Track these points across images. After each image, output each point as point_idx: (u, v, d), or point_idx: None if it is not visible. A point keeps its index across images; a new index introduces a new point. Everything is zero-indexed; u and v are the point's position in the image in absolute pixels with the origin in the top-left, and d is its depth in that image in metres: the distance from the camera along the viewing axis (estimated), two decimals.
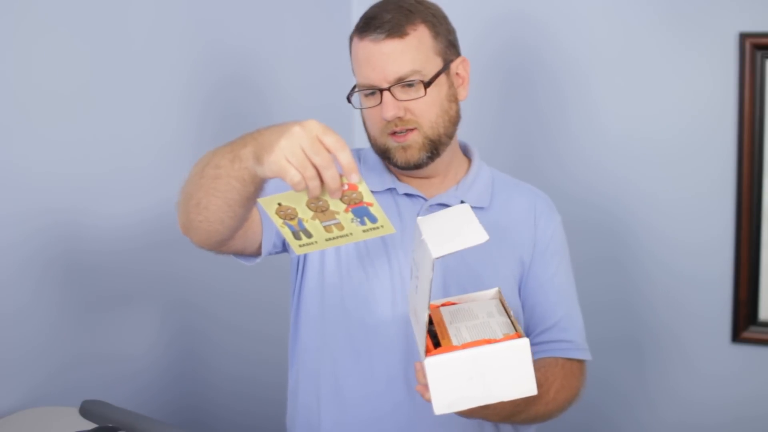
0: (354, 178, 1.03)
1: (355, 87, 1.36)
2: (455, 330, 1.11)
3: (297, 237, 1.11)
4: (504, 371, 1.07)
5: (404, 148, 1.33)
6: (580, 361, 1.41)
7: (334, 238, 1.11)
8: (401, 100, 1.30)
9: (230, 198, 1.15)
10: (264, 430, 2.06)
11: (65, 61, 1.57)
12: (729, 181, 1.98)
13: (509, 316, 1.16)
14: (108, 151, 1.66)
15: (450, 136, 1.37)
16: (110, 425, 1.18)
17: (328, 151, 1.02)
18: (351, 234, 1.10)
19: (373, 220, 1.08)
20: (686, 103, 2.01)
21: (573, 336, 1.40)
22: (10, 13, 1.47)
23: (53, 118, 1.56)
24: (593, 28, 2.07)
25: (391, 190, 1.41)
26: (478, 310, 1.18)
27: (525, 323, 1.40)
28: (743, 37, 1.91)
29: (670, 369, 2.09)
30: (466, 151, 1.48)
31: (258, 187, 1.14)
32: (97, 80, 1.64)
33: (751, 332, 2.00)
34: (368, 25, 1.31)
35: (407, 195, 1.40)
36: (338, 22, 2.27)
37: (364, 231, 1.09)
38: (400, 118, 1.31)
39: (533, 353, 1.35)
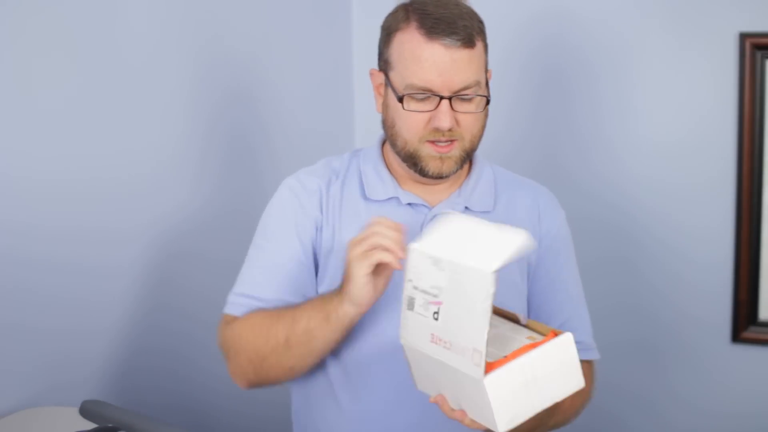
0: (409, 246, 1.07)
1: (388, 80, 1.28)
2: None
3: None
4: (554, 371, 1.05)
5: (442, 159, 1.27)
6: (589, 362, 1.37)
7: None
8: (456, 111, 1.25)
9: (327, 348, 1.24)
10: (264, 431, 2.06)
11: (65, 70, 1.57)
12: (729, 181, 1.98)
13: (514, 320, 1.13)
14: (109, 158, 1.67)
15: (477, 147, 1.33)
16: (110, 425, 1.18)
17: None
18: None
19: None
20: (686, 103, 2.01)
21: (581, 336, 1.34)
22: (10, 19, 1.47)
23: (53, 126, 1.56)
24: (591, 28, 2.07)
25: (394, 199, 1.34)
26: None
27: None
28: (743, 37, 1.90)
29: (670, 369, 2.09)
30: None
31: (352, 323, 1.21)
32: (98, 91, 1.64)
33: (751, 332, 2.00)
34: (439, 28, 1.21)
35: (410, 205, 1.34)
36: (338, 28, 2.29)
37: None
38: (449, 129, 1.25)
39: None
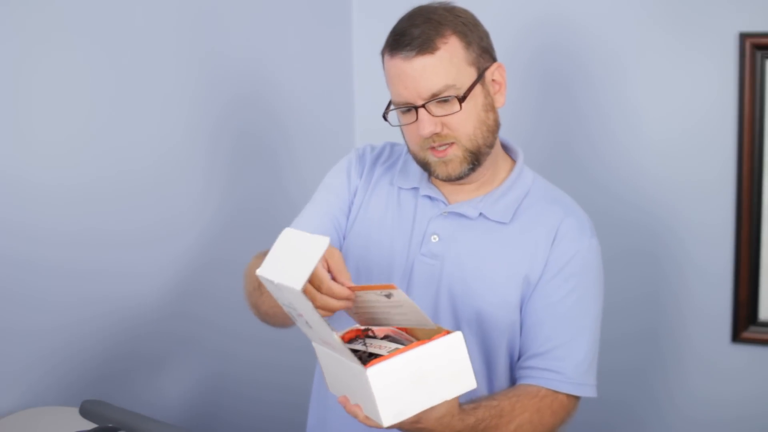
0: (352, 297, 1.11)
1: (390, 104, 1.34)
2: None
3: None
4: (443, 369, 1.06)
5: (445, 163, 1.31)
6: (570, 397, 1.32)
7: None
8: (437, 116, 1.28)
9: None
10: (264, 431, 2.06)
11: (75, 79, 1.58)
12: (729, 181, 1.98)
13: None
14: (116, 161, 1.67)
15: (490, 145, 1.34)
16: (110, 425, 1.18)
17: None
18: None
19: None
20: (686, 103, 2.01)
21: (566, 368, 1.30)
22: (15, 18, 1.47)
23: (60, 129, 1.56)
24: (593, 29, 2.07)
25: (415, 189, 1.42)
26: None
27: (520, 344, 1.35)
28: (743, 37, 1.90)
29: (670, 368, 2.09)
30: (510, 152, 1.44)
31: None
32: (104, 93, 1.64)
33: (751, 332, 2.00)
34: (398, 42, 1.28)
35: (428, 197, 1.40)
36: (338, 33, 2.29)
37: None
38: (437, 134, 1.29)
39: (519, 377, 1.33)
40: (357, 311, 1.15)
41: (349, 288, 1.10)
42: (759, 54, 1.90)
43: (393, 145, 1.51)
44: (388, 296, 1.10)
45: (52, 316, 1.56)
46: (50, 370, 1.57)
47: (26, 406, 1.52)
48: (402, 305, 1.09)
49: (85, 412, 1.21)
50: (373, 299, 1.11)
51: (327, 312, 1.09)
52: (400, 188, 1.43)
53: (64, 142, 1.58)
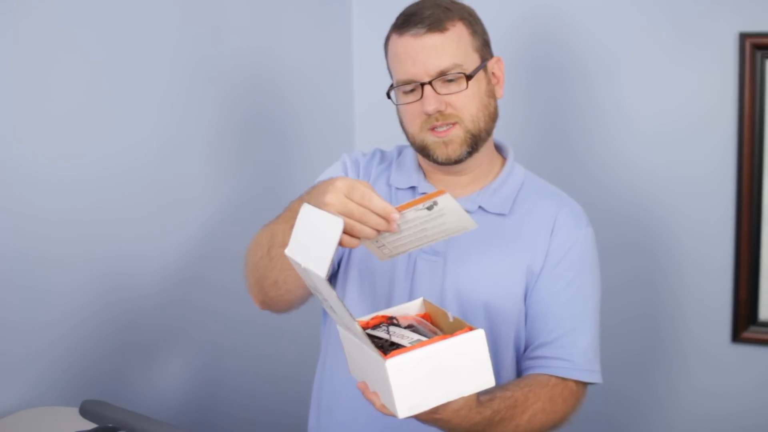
0: (395, 217, 1.08)
1: (392, 85, 1.37)
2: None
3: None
4: (462, 365, 1.07)
5: (445, 144, 1.34)
6: (579, 384, 1.35)
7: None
8: (442, 94, 1.31)
9: None
10: (266, 429, 2.06)
11: (76, 66, 1.58)
12: (729, 181, 1.98)
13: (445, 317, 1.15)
14: (119, 149, 1.67)
15: (489, 132, 1.38)
16: (110, 425, 1.18)
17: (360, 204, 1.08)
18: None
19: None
20: (686, 103, 2.01)
21: (574, 355, 1.33)
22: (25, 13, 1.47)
23: (65, 122, 1.56)
24: (590, 28, 2.07)
25: (412, 188, 1.42)
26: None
27: (526, 335, 1.38)
28: (743, 37, 1.91)
29: (670, 369, 2.10)
30: (500, 150, 1.47)
31: None
32: (110, 86, 1.64)
33: (751, 332, 2.00)
34: (408, 21, 1.32)
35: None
36: (338, 28, 2.29)
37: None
38: (441, 113, 1.31)
39: (527, 368, 1.35)
40: (384, 242, 1.15)
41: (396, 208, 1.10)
42: (759, 54, 1.90)
43: (383, 151, 1.53)
44: (430, 207, 1.10)
45: (52, 313, 1.56)
46: (50, 370, 1.57)
47: (26, 406, 1.52)
48: (444, 214, 1.11)
49: (85, 412, 1.21)
50: (411, 218, 1.11)
51: (372, 233, 1.09)
52: (396, 189, 1.44)
53: (66, 132, 1.57)
